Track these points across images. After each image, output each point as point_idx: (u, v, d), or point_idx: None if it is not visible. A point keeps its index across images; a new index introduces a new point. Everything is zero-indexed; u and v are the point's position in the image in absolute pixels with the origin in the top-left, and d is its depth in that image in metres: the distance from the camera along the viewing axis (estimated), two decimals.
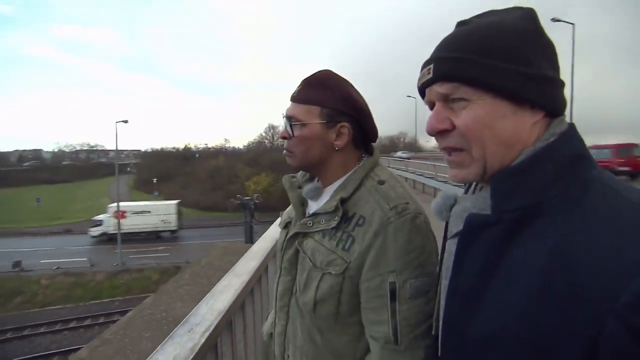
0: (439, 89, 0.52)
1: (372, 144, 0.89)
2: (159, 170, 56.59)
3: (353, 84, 0.86)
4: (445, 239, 0.62)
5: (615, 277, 0.36)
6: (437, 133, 0.54)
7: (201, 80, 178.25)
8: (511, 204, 0.47)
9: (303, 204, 0.91)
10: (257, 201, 22.42)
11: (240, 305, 1.43)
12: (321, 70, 0.86)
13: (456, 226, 0.56)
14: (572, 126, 0.51)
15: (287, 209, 1.04)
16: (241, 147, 77.89)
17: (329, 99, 0.81)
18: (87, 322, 16.22)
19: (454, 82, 0.50)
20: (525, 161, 0.48)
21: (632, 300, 0.34)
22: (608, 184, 0.44)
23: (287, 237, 0.89)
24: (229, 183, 50.40)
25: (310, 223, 0.83)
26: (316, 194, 0.86)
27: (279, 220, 3.01)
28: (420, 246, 0.72)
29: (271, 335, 1.02)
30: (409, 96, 33.43)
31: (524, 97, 0.48)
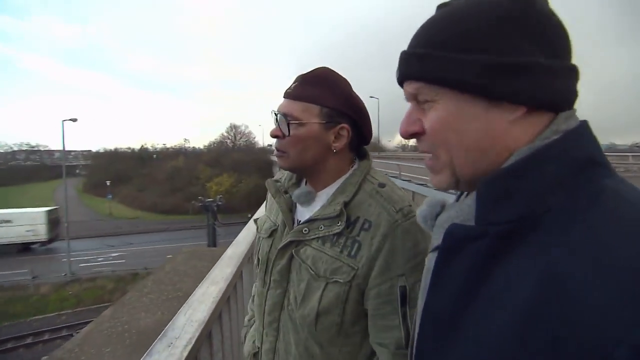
0: (407, 88, 0.47)
1: (365, 147, 0.86)
2: (113, 172, 53.27)
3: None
4: None
5: (610, 327, 0.29)
6: (410, 136, 0.48)
7: (158, 77, 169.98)
8: (499, 215, 0.39)
9: (291, 209, 0.85)
10: (220, 203, 21.78)
11: (218, 314, 1.37)
12: (320, 68, 0.81)
13: (437, 237, 0.48)
14: (583, 124, 0.42)
15: (260, 215, 0.99)
16: (202, 147, 75.51)
17: (329, 98, 0.76)
18: (29, 340, 14.63)
19: (418, 82, 0.45)
20: (519, 163, 0.39)
21: (629, 355, 0.27)
22: (626, 197, 0.35)
23: (279, 246, 0.82)
24: (190, 185, 48.65)
25: (305, 230, 0.77)
26: (307, 199, 0.82)
27: (251, 222, 2.95)
28: (426, 249, 0.69)
29: (255, 355, 0.94)
30: (372, 97, 34.20)
31: (491, 92, 0.40)
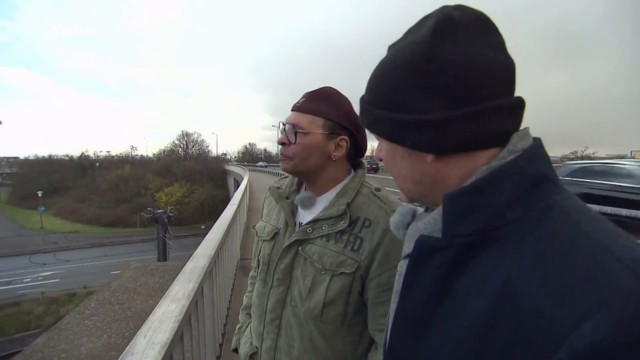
0: None
1: (361, 159, 0.97)
2: (47, 182, 48.47)
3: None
4: None
5: (556, 327, 0.31)
6: (380, 160, 0.56)
7: (103, 80, 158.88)
8: (462, 228, 0.42)
9: (293, 213, 0.94)
10: (171, 214, 20.65)
11: (180, 335, 1.27)
12: (326, 87, 0.93)
13: (408, 246, 0.54)
14: (537, 142, 0.44)
15: (259, 223, 1.06)
16: (151, 155, 71.61)
17: (333, 112, 0.88)
18: None
19: (365, 128, 0.54)
20: (479, 181, 0.42)
21: (568, 356, 0.30)
22: (569, 212, 0.38)
23: (284, 245, 0.90)
24: (137, 195, 45.76)
25: (310, 229, 0.87)
26: (310, 203, 0.91)
27: (210, 235, 2.82)
28: None
29: (252, 356, 1.01)
30: None
31: (402, 144, 0.47)
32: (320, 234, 0.85)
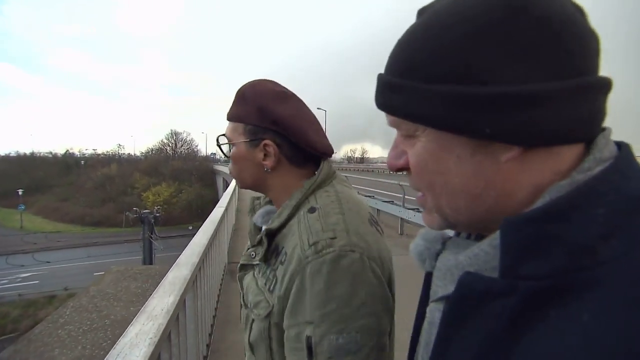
0: (387, 118, 0.40)
1: (324, 160, 0.75)
2: (28, 179, 47.17)
3: (290, 93, 0.76)
4: (424, 297, 0.45)
5: None
6: (397, 170, 0.40)
7: (89, 76, 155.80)
8: (532, 268, 0.30)
9: (260, 230, 0.79)
10: (157, 214, 20.23)
11: (156, 358, 1.12)
12: (249, 81, 0.77)
13: (443, 285, 0.40)
14: (626, 148, 0.33)
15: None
16: (138, 154, 70.50)
17: (248, 114, 0.72)
18: None
19: (394, 115, 0.38)
20: (558, 203, 0.30)
21: None
22: None
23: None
24: (124, 194, 45.00)
25: (252, 254, 0.73)
26: (266, 220, 0.77)
27: (195, 239, 2.66)
28: (345, 294, 0.58)
29: None
30: (319, 108, 34.72)
31: (470, 132, 0.33)
32: (257, 262, 0.71)
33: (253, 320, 0.70)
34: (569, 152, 0.32)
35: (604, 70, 0.33)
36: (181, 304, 1.55)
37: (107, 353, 1.02)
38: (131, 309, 3.77)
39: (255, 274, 0.73)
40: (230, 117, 0.76)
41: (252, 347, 0.71)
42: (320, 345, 0.58)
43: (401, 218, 7.01)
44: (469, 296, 0.33)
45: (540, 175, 0.33)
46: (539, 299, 0.29)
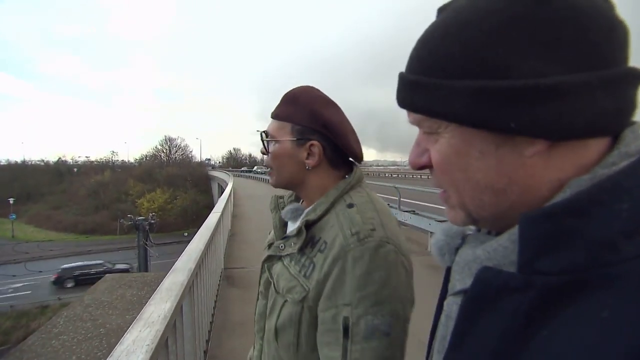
0: (408, 116, 0.40)
1: (357, 164, 0.85)
2: (19, 188, 46.57)
3: (335, 102, 0.83)
4: (443, 291, 0.46)
5: None
6: (419, 168, 0.41)
7: (82, 82, 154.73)
8: (550, 263, 0.30)
9: (285, 225, 0.88)
10: (152, 221, 20.04)
11: None
12: (299, 86, 0.83)
13: (461, 279, 0.40)
14: None
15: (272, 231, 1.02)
16: (132, 160, 70.01)
17: (298, 115, 0.79)
18: None
19: (416, 112, 0.38)
20: (580, 196, 0.30)
21: None
22: None
23: (262, 259, 0.86)
24: (118, 201, 44.55)
25: (282, 246, 0.79)
26: (294, 216, 0.83)
27: (191, 245, 2.64)
28: (382, 279, 0.65)
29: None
30: None
31: (492, 126, 0.33)
32: (289, 252, 0.77)
33: (283, 305, 0.75)
34: (595, 146, 0.32)
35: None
36: (178, 310, 1.54)
37: None
38: (127, 317, 3.72)
39: (286, 263, 0.78)
40: (278, 116, 0.81)
41: (277, 332, 0.75)
42: (356, 325, 0.64)
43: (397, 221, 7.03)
44: (486, 290, 0.33)
45: (564, 170, 0.32)
46: (557, 294, 0.29)
